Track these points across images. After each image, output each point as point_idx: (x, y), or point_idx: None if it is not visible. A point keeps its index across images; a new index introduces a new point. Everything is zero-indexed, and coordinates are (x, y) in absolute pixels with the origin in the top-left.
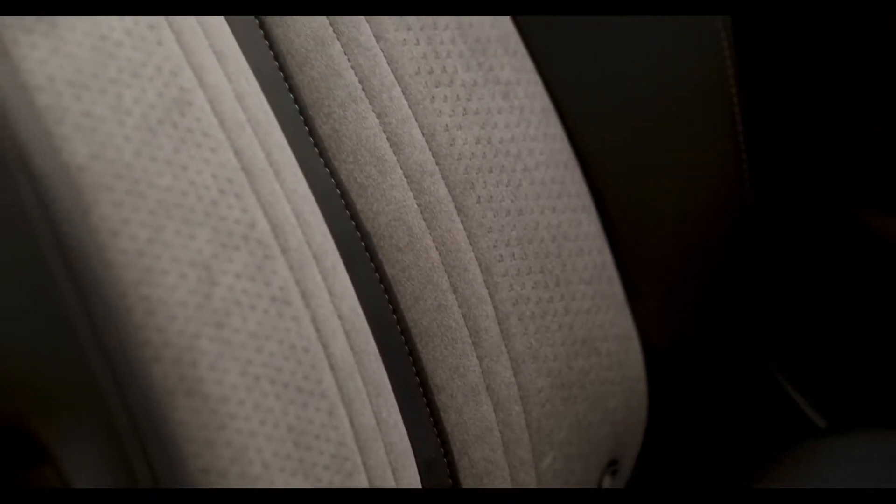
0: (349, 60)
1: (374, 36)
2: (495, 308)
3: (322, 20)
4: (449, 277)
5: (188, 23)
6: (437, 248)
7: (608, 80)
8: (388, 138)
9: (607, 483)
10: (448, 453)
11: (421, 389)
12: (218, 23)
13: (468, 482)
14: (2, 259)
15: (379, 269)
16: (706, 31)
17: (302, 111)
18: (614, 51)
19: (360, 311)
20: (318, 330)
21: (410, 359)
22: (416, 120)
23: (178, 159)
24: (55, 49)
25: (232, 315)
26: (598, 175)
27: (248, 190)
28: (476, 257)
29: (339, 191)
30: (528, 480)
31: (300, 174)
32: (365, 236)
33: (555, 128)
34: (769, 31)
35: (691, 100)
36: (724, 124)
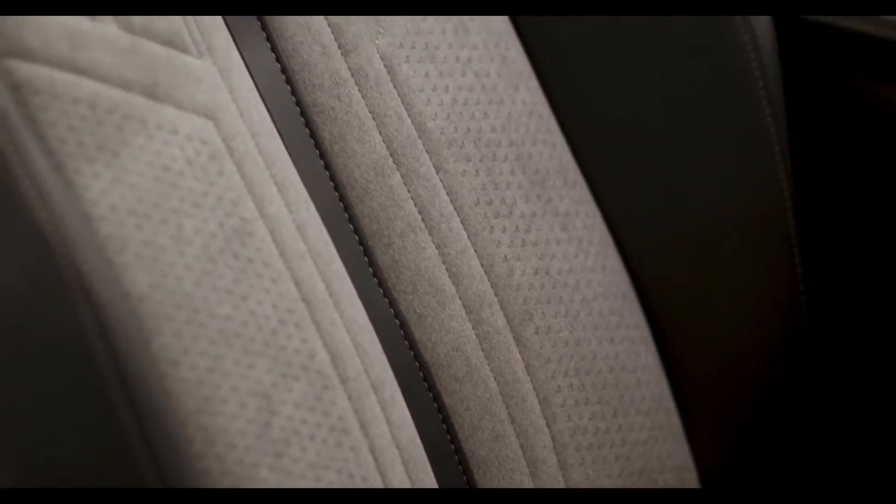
0: (409, 191)
1: (434, 167)
2: (553, 438)
3: (382, 150)
4: (507, 408)
5: (250, 153)
6: (494, 379)
7: (665, 212)
8: (447, 269)
9: None
10: None
11: None
12: (279, 153)
13: None
14: (63, 385)
15: (437, 398)
16: (765, 157)
17: (362, 241)
18: (672, 182)
19: (418, 441)
20: (376, 459)
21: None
22: (475, 250)
23: (239, 289)
24: (117, 178)
25: (291, 445)
26: (655, 306)
27: (307, 320)
28: (534, 388)
29: (397, 321)
30: None
31: (359, 304)
32: (423, 366)
33: (613, 259)
34: (825, 157)
35: (748, 228)
36: (782, 254)
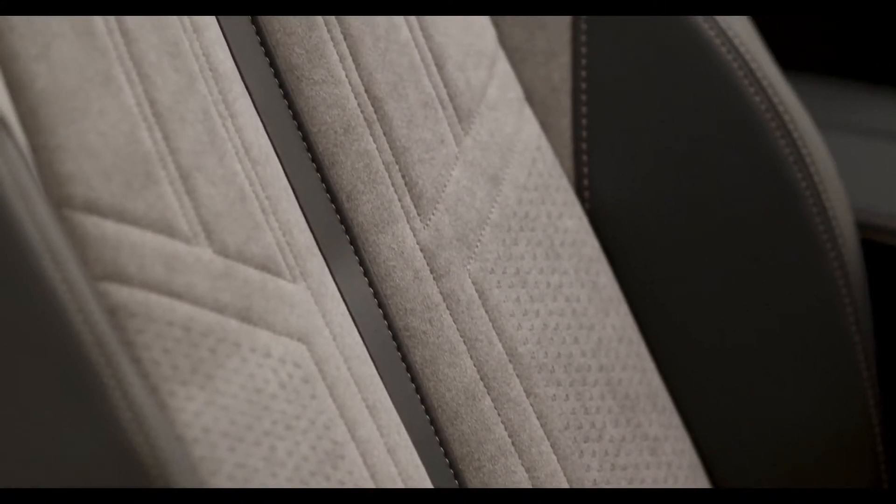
0: (499, 415)
1: (525, 391)
2: None
3: (473, 374)
4: None
5: (342, 377)
6: None
7: (755, 435)
8: None
9: None
10: None
11: None
12: (370, 377)
13: None
14: None
15: None
16: (854, 382)
17: (452, 464)
18: (763, 407)
19: None
20: None
21: None
22: (565, 474)
23: None
24: (211, 401)
25: None
26: None
27: None
28: None
29: None
30: None
31: None
32: None
33: (702, 482)
34: None
35: (835, 445)
36: (870, 473)
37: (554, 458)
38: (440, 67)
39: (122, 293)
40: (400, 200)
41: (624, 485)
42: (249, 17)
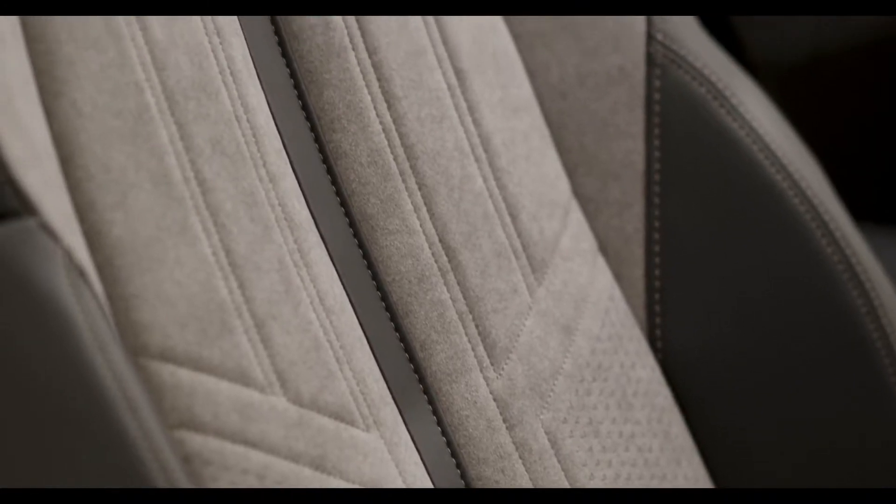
0: None
1: None
2: None
3: None
4: None
5: None
6: None
7: None
8: None
9: None
10: None
11: None
12: None
13: None
14: None
15: None
16: None
17: None
18: None
19: None
20: None
21: None
22: None
23: None
24: None
25: None
26: None
27: None
28: None
29: None
30: None
31: None
32: None
33: None
34: None
35: None
36: None
37: None
38: (514, 217)
39: (196, 441)
40: (473, 350)
41: None
42: (323, 162)
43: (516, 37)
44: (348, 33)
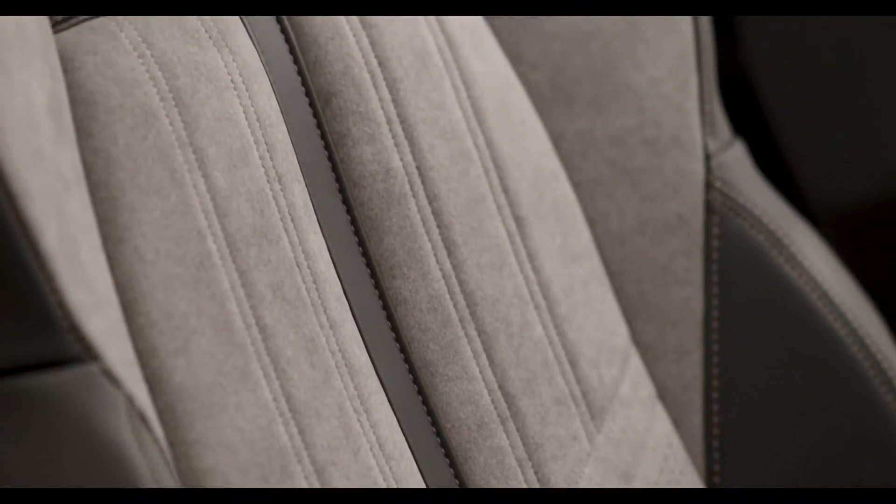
0: None
1: None
2: None
3: None
4: None
5: None
6: None
7: None
8: None
9: None
10: None
11: None
12: None
13: None
14: None
15: None
16: None
17: None
18: None
19: None
20: None
21: None
22: None
23: None
24: None
25: None
26: None
27: None
28: None
29: None
30: None
31: None
32: None
33: None
34: None
35: None
36: None
37: None
38: (573, 364)
39: None
40: None
41: None
42: (383, 309)
43: (576, 185)
44: (408, 181)
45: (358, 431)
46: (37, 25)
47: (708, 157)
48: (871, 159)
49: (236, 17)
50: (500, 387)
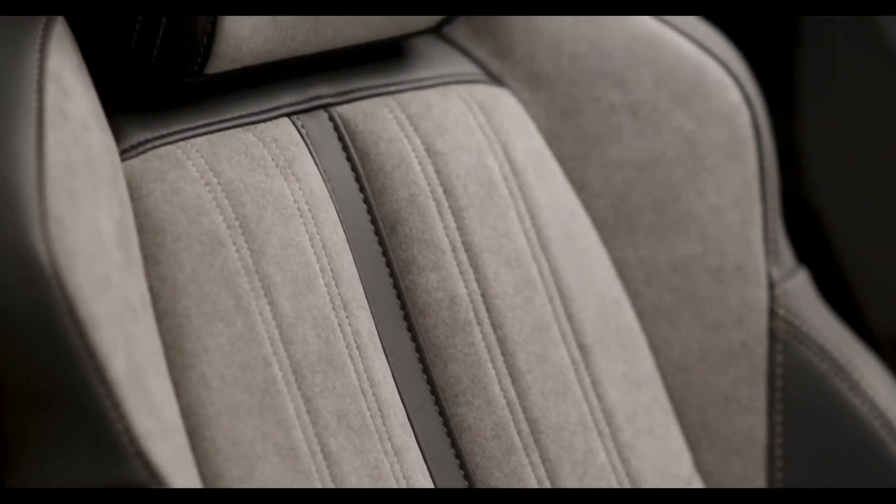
0: None
1: None
2: None
3: None
4: None
5: None
6: None
7: None
8: None
9: None
10: None
11: None
12: None
13: None
14: None
15: None
16: None
17: None
18: None
19: None
20: None
21: None
22: None
23: None
24: None
25: None
26: None
27: None
28: None
29: None
30: None
31: None
32: None
33: None
34: None
35: None
36: None
37: None
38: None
39: None
40: None
41: None
42: (447, 436)
43: (639, 312)
44: (473, 308)
45: None
46: (106, 152)
47: (772, 286)
48: None
49: (303, 146)
50: None
